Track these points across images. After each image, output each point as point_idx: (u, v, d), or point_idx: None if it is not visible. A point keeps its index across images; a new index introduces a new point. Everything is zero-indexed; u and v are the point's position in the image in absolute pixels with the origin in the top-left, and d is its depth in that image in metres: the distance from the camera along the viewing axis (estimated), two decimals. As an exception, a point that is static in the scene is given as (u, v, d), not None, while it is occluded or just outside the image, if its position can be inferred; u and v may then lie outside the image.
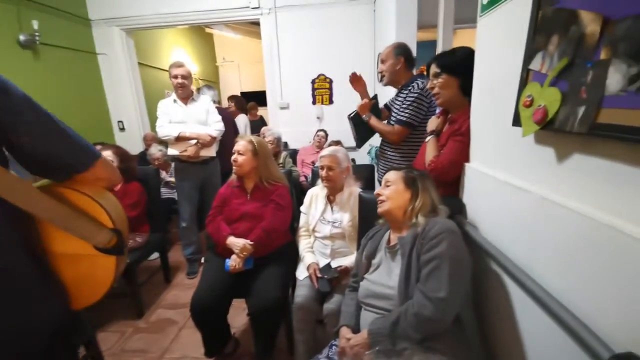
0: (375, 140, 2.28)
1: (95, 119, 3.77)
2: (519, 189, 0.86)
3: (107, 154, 2.09)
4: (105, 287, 0.71)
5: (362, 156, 3.70)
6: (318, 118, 3.99)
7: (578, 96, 0.64)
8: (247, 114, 4.05)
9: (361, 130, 1.85)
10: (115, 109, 3.96)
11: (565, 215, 0.70)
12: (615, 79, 0.58)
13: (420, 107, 1.69)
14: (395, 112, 1.78)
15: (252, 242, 1.52)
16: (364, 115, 1.81)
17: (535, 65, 0.76)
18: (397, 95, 1.83)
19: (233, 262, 1.51)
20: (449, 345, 0.90)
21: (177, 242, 3.00)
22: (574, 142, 0.69)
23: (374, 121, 1.79)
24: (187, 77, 2.29)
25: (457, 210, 1.21)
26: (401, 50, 1.76)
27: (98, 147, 2.64)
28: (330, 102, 3.96)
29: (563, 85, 0.68)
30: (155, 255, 2.52)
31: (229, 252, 1.55)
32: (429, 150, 1.35)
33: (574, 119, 0.64)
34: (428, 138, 1.39)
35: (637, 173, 0.57)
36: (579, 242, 0.67)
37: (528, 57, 0.78)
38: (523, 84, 0.81)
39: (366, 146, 3.83)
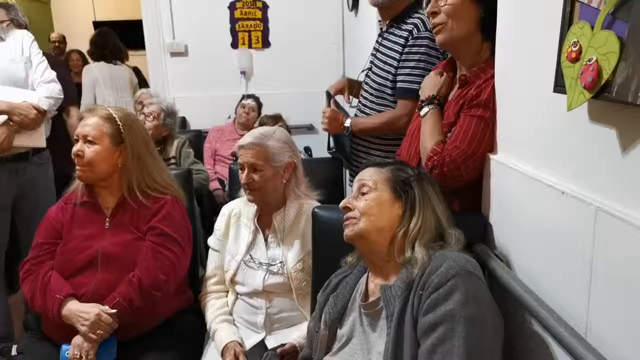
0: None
1: None
2: (573, 198, 0.94)
3: None
4: None
5: (324, 140, 3.76)
6: (243, 74, 4.00)
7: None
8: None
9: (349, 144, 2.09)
10: None
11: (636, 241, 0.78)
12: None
13: (431, 64, 1.84)
14: (388, 75, 1.94)
15: (113, 310, 1.50)
16: (344, 131, 2.02)
17: (584, -7, 0.85)
18: (386, 32, 2.00)
19: (77, 351, 1.47)
20: None
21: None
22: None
23: (361, 125, 2.00)
24: None
25: (478, 234, 1.28)
26: None
27: None
28: (265, 44, 4.00)
29: (620, 28, 0.76)
30: None
31: (67, 331, 1.51)
32: (428, 131, 1.41)
33: (638, 83, 0.73)
34: (424, 110, 1.46)
35: None
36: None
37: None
38: (567, 23, 0.89)
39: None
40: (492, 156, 1.29)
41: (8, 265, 2.39)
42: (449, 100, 1.45)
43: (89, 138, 1.60)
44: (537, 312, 1.00)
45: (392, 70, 1.94)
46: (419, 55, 1.86)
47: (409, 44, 1.88)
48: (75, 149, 1.62)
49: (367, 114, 2.05)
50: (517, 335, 1.18)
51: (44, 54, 2.47)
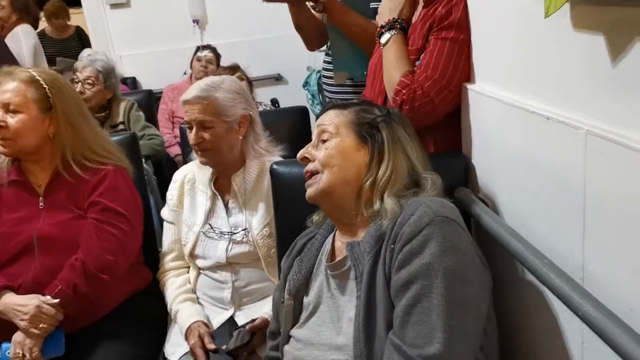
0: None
1: None
2: (560, 123, 0.91)
3: None
4: None
5: (294, 91, 3.73)
6: (196, 22, 3.94)
7: None
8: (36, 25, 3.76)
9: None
10: None
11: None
12: None
13: None
14: None
15: (55, 300, 1.48)
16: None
17: None
18: None
19: (18, 349, 1.46)
20: None
21: None
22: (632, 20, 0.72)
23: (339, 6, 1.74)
24: None
25: (460, 178, 1.27)
26: None
27: None
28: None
29: None
30: None
31: (6, 328, 1.50)
32: (392, 62, 1.38)
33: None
34: (385, 37, 1.41)
35: None
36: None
37: None
38: None
39: (298, 73, 3.78)
40: (469, 86, 1.25)
41: None
42: (413, 22, 1.40)
43: (12, 107, 1.55)
44: (524, 257, 0.98)
45: None
46: None
47: None
48: None
49: None
50: (508, 285, 1.17)
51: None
